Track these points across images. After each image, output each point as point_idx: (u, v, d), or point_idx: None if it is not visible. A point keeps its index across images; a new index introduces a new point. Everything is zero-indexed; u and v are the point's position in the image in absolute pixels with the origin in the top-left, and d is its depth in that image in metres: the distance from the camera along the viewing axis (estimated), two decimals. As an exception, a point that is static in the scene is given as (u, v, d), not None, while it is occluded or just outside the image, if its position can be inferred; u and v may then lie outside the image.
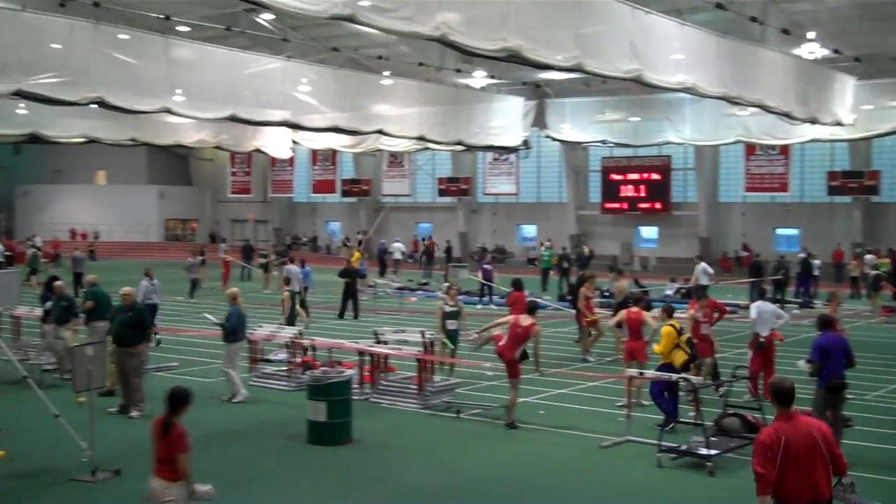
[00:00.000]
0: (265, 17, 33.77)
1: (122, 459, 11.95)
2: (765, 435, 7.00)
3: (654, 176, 51.29)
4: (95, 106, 22.54)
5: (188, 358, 20.41)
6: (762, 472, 6.82)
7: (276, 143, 35.50)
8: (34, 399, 12.58)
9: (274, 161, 60.93)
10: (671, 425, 13.54)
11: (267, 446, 13.23)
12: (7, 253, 42.04)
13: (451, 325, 17.64)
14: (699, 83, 20.92)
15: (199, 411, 15.35)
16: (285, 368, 17.80)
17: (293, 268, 26.80)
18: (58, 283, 18.57)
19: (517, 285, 20.50)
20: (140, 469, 11.72)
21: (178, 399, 8.33)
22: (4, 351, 13.44)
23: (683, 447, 12.32)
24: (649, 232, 53.38)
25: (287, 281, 23.37)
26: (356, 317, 28.12)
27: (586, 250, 42.93)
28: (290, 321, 21.32)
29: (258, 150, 36.64)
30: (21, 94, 20.86)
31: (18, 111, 28.06)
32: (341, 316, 28.30)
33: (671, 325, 14.44)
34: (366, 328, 22.41)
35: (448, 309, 17.74)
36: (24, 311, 19.77)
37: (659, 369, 14.27)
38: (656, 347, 14.68)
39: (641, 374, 14.20)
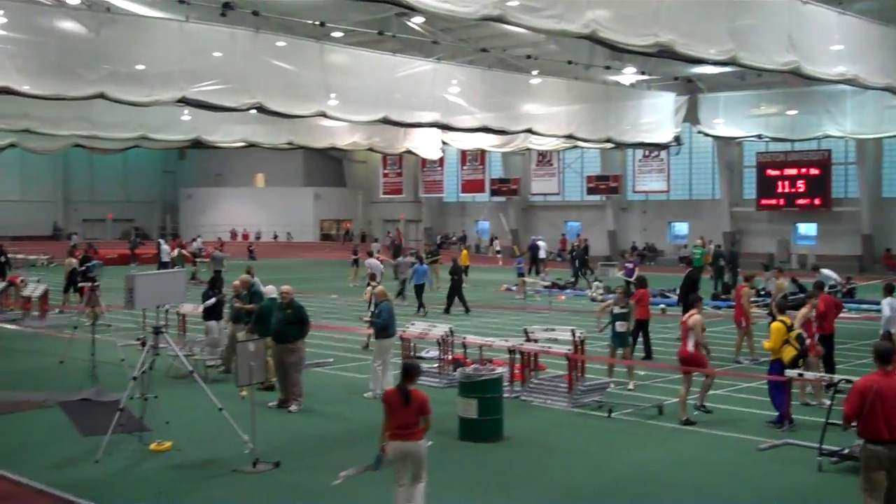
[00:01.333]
0: (416, 21, 34.19)
1: (282, 452, 12.36)
2: (861, 383, 8.64)
3: (813, 171, 49.51)
4: (255, 111, 23.30)
5: (343, 354, 20.91)
6: (847, 411, 8.62)
7: (426, 144, 35.89)
8: (199, 393, 13.13)
9: (424, 162, 61.74)
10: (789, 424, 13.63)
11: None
12: (173, 253, 43.91)
13: (621, 327, 17.45)
14: (861, 74, 20.09)
15: (350, 406, 15.81)
16: (436, 365, 18.01)
17: (373, 261, 29.99)
18: (236, 282, 19.25)
19: (641, 282, 20.56)
20: (298, 461, 12.18)
21: (413, 370, 9.66)
22: (172, 347, 14.06)
23: (846, 451, 11.84)
24: (807, 229, 51.55)
25: (373, 276, 23.93)
26: (447, 311, 29.03)
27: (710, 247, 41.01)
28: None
29: (409, 152, 37.09)
30: (185, 102, 21.78)
31: (183, 118, 29.35)
32: (467, 311, 29.07)
33: (781, 320, 14.20)
34: (516, 326, 22.46)
35: (618, 310, 17.60)
36: (190, 309, 20.63)
37: (770, 365, 14.27)
38: (766, 343, 14.43)
39: (801, 375, 13.77)
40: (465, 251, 38.70)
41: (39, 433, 13.80)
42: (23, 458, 12.34)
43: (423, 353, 19.53)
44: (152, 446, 12.63)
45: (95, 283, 18.78)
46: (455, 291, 29.49)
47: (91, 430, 13.54)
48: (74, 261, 30.85)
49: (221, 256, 38.54)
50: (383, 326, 16.56)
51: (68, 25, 20.36)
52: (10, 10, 19.59)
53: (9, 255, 37.89)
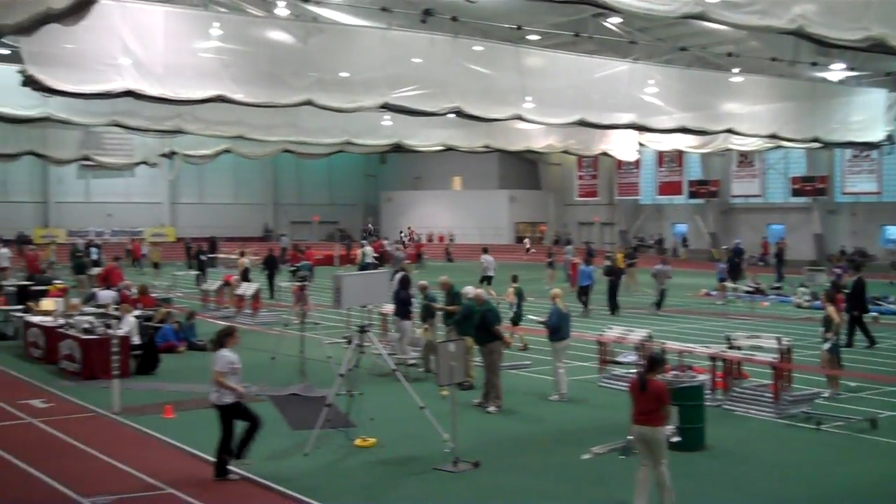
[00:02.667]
0: (612, 21, 33.85)
1: (481, 452, 12.52)
2: None
3: None
4: (453, 115, 23.66)
5: (541, 357, 20.94)
6: None
7: (622, 145, 35.38)
8: (401, 391, 13.51)
9: (620, 164, 60.95)
10: None
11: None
12: (375, 255, 45.26)
13: (823, 333, 16.74)
14: None
15: (547, 409, 15.82)
16: (634, 371, 17.74)
17: (488, 258, 32.64)
18: (422, 282, 19.77)
19: (836, 288, 19.69)
20: (498, 462, 12.29)
21: (655, 361, 10.48)
22: (376, 345, 14.48)
23: None
24: None
25: (514, 278, 24.11)
26: (612, 312, 29.37)
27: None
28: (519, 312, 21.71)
29: (604, 154, 36.68)
30: (387, 107, 22.33)
31: (384, 123, 30.14)
32: (612, 312, 29.46)
33: None
34: (713, 332, 21.88)
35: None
36: (391, 308, 21.16)
37: None
38: None
39: None
40: (620, 254, 38.32)
41: (253, 426, 14.52)
42: (238, 448, 13.01)
43: (619, 358, 19.31)
44: (357, 442, 13.06)
45: (304, 283, 19.57)
46: (613, 292, 29.99)
47: (300, 424, 14.15)
48: (246, 260, 32.57)
49: (402, 257, 39.55)
50: (555, 328, 16.60)
51: (278, 36, 21.29)
52: (225, 22, 20.71)
53: (209, 256, 40.56)
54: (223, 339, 11.92)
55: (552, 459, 12.49)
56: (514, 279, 23.93)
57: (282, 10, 28.79)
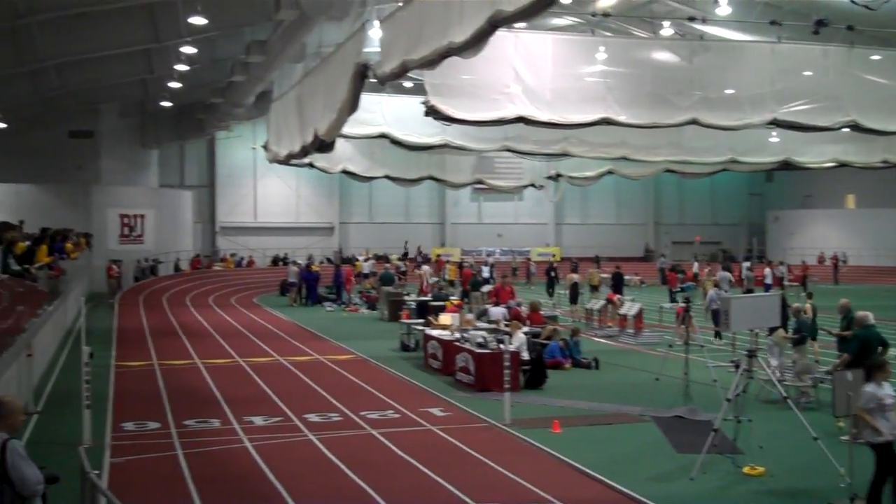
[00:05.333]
0: None
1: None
2: None
3: None
4: (847, 130, 22.43)
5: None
6: None
7: None
8: (792, 419, 12.93)
9: None
10: None
11: None
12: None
13: None
14: None
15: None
16: None
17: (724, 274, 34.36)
18: (795, 305, 18.96)
19: None
20: None
21: None
22: (766, 371, 14.03)
23: None
24: None
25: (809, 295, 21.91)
26: None
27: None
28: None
29: None
30: (775, 123, 21.68)
31: (771, 139, 29.17)
32: None
33: None
34: None
35: None
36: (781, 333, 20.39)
37: None
38: None
39: None
40: None
41: (636, 445, 14.58)
42: (622, 468, 13.10)
43: None
44: (745, 469, 12.67)
45: (688, 304, 19.37)
46: None
47: (685, 447, 14.00)
48: (575, 276, 34.16)
49: (751, 277, 38.13)
50: None
51: (663, 56, 21.42)
52: (610, 45, 21.20)
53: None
54: (871, 371, 10.76)
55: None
56: (809, 296, 22.43)
57: (667, 31, 28.78)
